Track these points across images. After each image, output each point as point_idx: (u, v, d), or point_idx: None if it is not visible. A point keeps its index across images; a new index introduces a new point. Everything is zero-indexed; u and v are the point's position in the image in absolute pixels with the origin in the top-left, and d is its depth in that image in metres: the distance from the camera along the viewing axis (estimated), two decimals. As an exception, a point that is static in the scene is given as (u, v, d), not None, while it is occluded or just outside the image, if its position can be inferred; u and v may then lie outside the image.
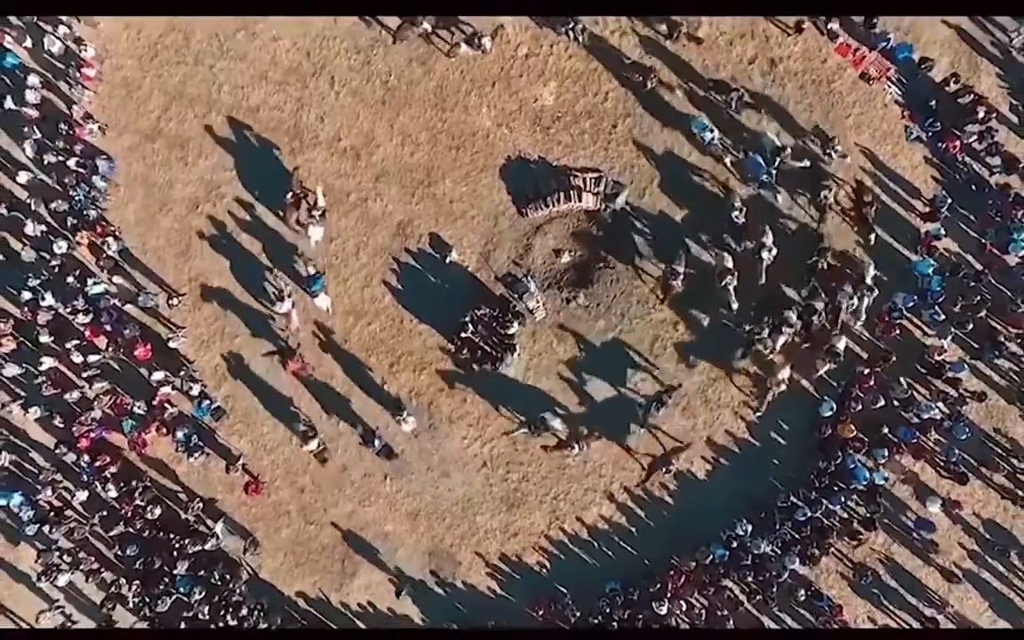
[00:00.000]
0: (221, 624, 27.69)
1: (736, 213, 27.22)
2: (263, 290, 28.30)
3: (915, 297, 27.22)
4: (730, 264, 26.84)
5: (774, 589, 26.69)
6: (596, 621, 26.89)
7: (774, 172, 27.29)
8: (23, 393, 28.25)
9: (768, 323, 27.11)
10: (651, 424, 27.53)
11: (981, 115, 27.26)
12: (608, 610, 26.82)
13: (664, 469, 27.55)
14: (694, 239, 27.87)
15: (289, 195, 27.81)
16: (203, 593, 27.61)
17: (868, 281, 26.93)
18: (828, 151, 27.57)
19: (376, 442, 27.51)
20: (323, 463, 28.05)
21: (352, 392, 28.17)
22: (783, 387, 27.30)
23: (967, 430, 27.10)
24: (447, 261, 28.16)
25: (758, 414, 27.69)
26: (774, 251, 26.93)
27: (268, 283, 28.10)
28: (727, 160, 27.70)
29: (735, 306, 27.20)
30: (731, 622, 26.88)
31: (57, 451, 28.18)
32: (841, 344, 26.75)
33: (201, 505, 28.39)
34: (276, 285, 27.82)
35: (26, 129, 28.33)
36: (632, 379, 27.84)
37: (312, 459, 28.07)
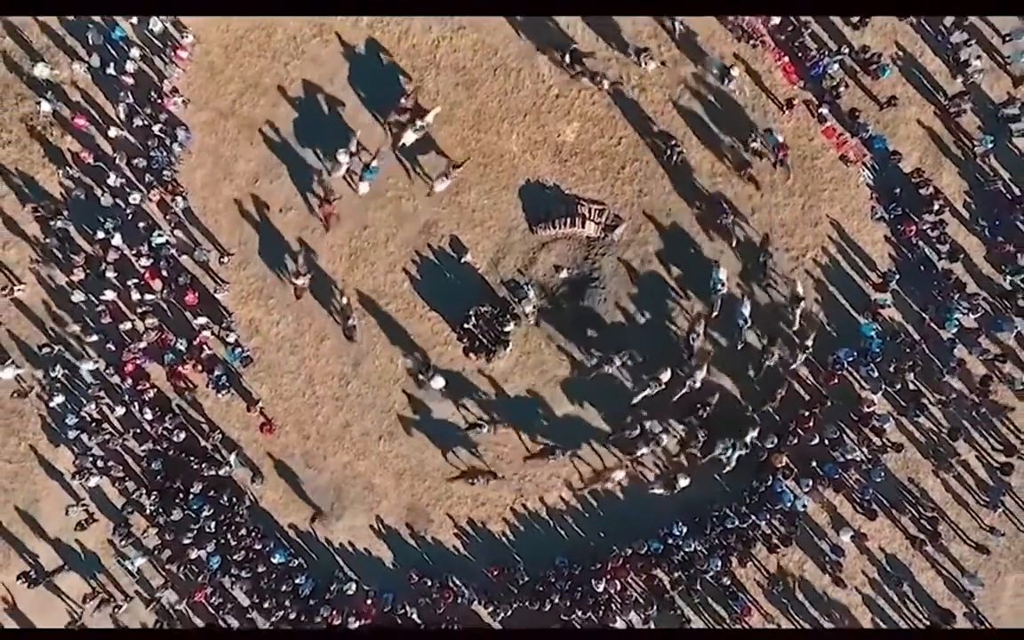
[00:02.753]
0: (222, 541, 31.64)
1: (694, 336, 31.35)
2: (303, 261, 32.36)
3: (856, 354, 31.42)
4: (666, 377, 31.26)
5: (697, 584, 30.95)
6: (541, 588, 31.09)
7: (749, 323, 31.44)
8: (84, 318, 32.49)
9: (642, 431, 31.68)
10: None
11: (936, 208, 31.47)
12: (553, 580, 31.26)
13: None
14: (663, 300, 32.37)
15: (403, 100, 32.20)
16: (211, 511, 31.91)
17: (747, 439, 31.07)
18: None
19: (348, 323, 31.98)
20: (298, 298, 32.48)
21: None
22: (609, 486, 31.91)
23: (883, 474, 31.29)
24: (461, 261, 32.41)
25: (579, 490, 32.13)
26: (698, 385, 31.18)
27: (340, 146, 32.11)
28: (713, 312, 31.74)
29: (635, 402, 31.78)
30: (655, 607, 31.08)
31: (105, 372, 32.40)
32: (683, 482, 31.12)
33: (220, 436, 32.71)
34: (352, 145, 32.02)
35: (121, 93, 32.36)
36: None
37: (318, 411, 32.51)
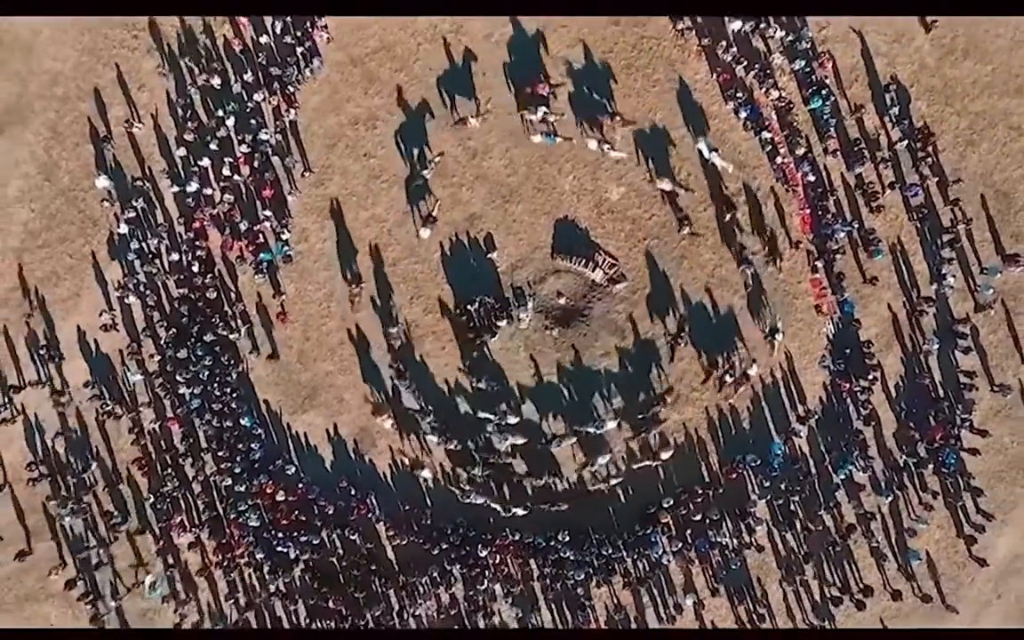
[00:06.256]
0: (208, 389, 38.77)
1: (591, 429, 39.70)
2: (363, 201, 40.03)
3: (759, 462, 38.62)
4: (520, 441, 39.52)
5: (558, 585, 38.29)
6: (435, 534, 38.39)
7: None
8: (179, 171, 39.99)
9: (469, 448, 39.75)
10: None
11: (872, 377, 38.76)
12: (448, 532, 38.36)
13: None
14: (623, 366, 39.96)
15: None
16: (210, 362, 39.26)
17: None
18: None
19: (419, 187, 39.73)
20: (456, 123, 39.99)
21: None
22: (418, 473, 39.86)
23: (739, 565, 38.44)
24: (487, 256, 40.06)
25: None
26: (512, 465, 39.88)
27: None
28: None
29: (487, 431, 39.51)
30: (518, 587, 38.18)
31: (177, 219, 39.94)
32: (478, 499, 39.19)
33: (242, 308, 40.06)
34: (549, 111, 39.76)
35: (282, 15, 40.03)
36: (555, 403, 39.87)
37: (325, 322, 39.64)
